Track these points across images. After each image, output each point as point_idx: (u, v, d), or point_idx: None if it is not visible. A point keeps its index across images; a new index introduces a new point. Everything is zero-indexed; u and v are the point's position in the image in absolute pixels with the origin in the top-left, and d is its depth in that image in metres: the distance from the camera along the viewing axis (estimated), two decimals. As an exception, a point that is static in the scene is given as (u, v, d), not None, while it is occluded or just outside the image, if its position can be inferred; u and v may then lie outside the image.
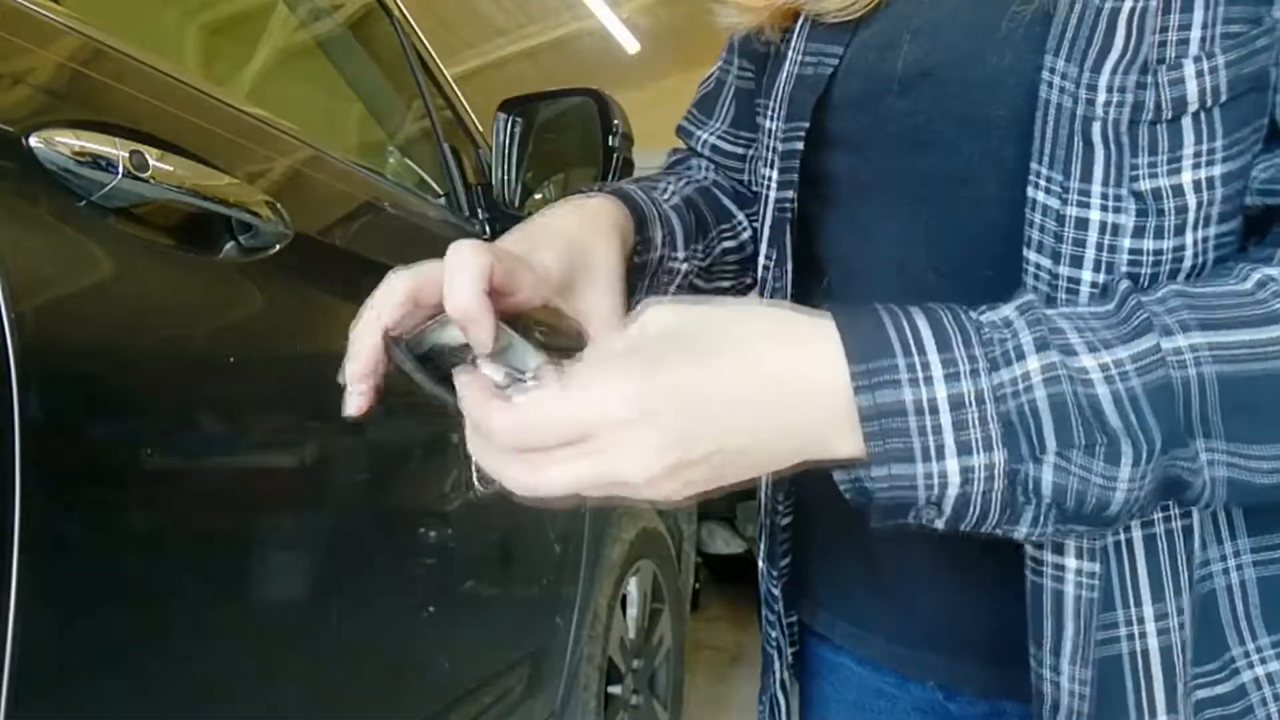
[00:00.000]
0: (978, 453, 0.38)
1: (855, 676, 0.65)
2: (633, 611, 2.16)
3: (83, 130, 0.73)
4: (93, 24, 0.83)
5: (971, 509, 0.39)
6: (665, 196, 0.63)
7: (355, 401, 0.45)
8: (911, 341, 0.38)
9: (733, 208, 0.71)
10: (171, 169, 0.80)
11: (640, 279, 0.59)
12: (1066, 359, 0.38)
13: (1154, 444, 0.38)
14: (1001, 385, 0.38)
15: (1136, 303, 0.40)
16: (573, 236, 0.53)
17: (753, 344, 0.38)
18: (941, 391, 0.38)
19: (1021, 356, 0.38)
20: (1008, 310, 0.40)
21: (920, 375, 0.38)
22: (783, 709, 0.65)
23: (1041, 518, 0.39)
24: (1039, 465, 0.38)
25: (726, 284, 0.72)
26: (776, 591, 0.64)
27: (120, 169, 0.74)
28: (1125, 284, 0.42)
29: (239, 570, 0.89)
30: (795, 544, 0.64)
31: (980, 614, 0.54)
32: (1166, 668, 0.45)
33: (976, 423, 0.37)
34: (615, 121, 1.56)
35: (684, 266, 0.64)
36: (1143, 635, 0.45)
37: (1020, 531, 0.40)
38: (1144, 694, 0.45)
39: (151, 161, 0.77)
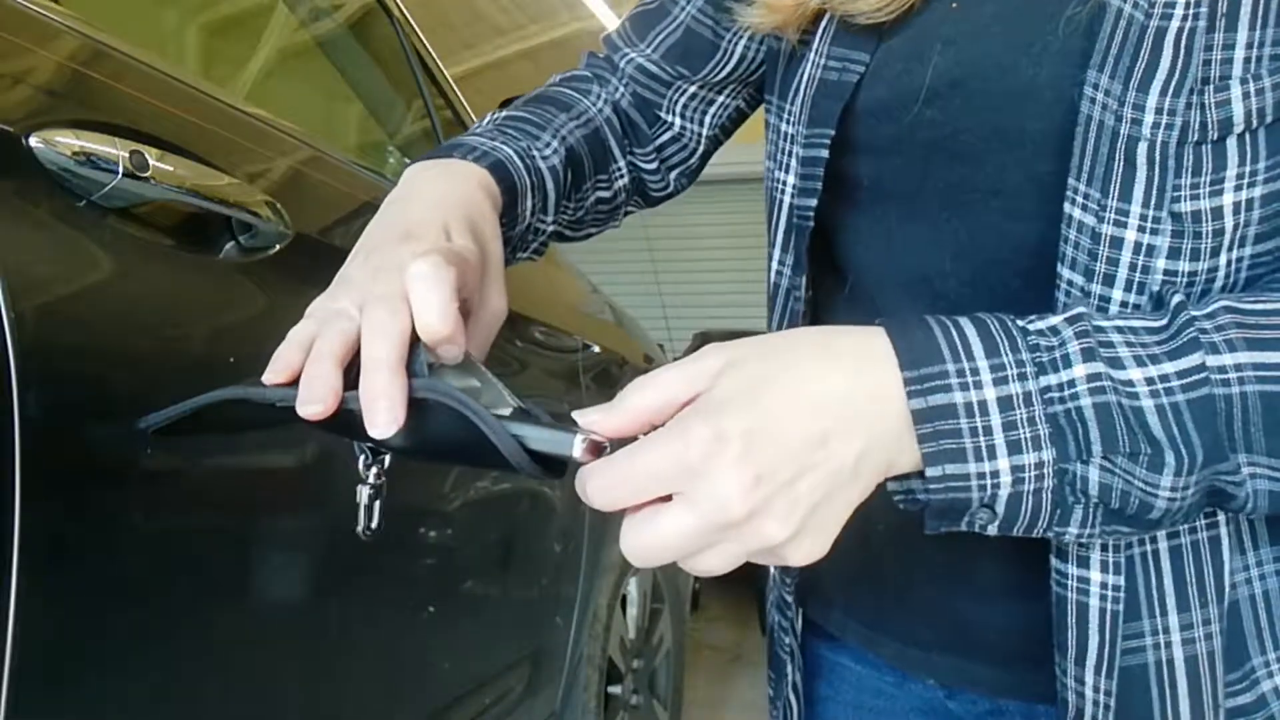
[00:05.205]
0: (1028, 451, 0.39)
1: (854, 675, 0.65)
2: (633, 611, 2.16)
3: (83, 130, 0.73)
4: (93, 24, 0.83)
5: (1024, 509, 0.40)
6: (547, 154, 0.61)
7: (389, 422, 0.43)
8: (960, 348, 0.39)
9: (616, 151, 0.69)
10: (171, 169, 0.80)
11: (504, 247, 0.58)
12: (1113, 370, 0.39)
13: (1196, 457, 0.39)
14: (1048, 389, 0.39)
15: (1188, 318, 0.40)
16: (470, 218, 0.51)
17: (806, 365, 0.39)
18: (991, 394, 0.39)
19: (1068, 364, 0.39)
20: (1056, 320, 0.41)
21: (970, 380, 0.39)
22: (794, 712, 0.65)
23: (1089, 518, 0.40)
24: (1086, 466, 0.39)
25: (594, 230, 0.71)
26: (790, 599, 0.64)
27: (120, 169, 0.74)
28: (1178, 297, 0.42)
29: (239, 570, 0.89)
30: None
31: (989, 616, 0.55)
32: (1192, 677, 0.45)
33: (1025, 422, 0.39)
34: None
35: (551, 227, 0.63)
36: (1168, 645, 0.46)
37: (1070, 533, 0.41)
38: (1169, 704, 0.46)
39: (151, 161, 0.77)
